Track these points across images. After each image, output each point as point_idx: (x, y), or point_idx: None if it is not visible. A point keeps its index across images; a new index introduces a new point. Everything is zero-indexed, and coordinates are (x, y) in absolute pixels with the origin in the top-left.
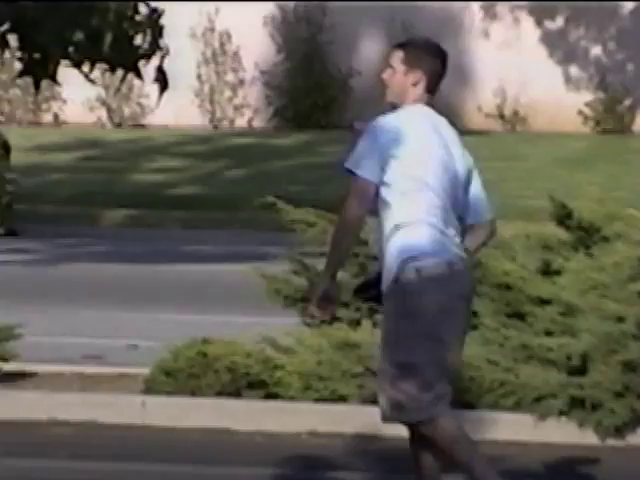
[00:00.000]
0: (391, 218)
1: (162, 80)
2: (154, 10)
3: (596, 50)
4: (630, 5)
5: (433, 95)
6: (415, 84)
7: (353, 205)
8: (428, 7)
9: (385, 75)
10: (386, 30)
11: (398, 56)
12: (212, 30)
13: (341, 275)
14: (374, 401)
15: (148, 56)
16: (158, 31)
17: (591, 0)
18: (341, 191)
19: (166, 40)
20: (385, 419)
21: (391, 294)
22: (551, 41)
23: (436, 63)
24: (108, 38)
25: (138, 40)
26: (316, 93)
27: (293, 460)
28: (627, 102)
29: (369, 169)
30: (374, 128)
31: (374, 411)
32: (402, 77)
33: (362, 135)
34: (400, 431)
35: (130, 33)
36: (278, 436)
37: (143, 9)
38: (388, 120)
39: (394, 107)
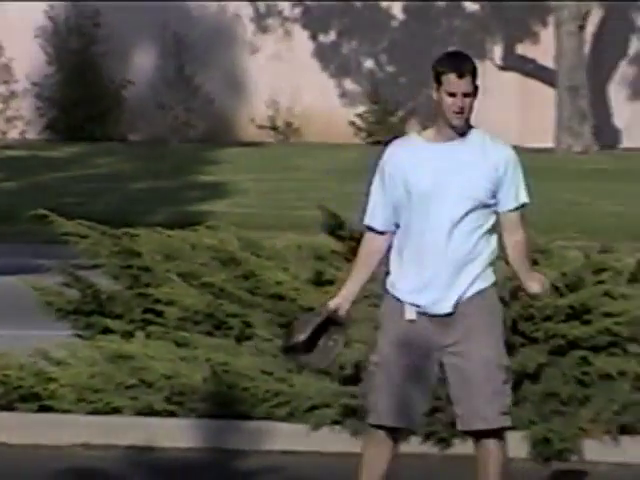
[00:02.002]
0: (491, 241)
1: None
2: None
3: (369, 63)
4: (401, 17)
5: None
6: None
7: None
8: (200, 18)
9: (466, 103)
10: (159, 41)
11: (469, 80)
12: None
13: (112, 285)
14: (148, 413)
15: None
16: None
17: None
18: (114, 204)
19: None
20: (493, 427)
21: (497, 302)
22: (324, 54)
23: None
24: None
25: None
26: (89, 105)
27: (68, 473)
28: (400, 114)
29: None
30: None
31: (148, 422)
32: (474, 97)
33: None
34: (176, 442)
35: None
36: (52, 449)
37: None
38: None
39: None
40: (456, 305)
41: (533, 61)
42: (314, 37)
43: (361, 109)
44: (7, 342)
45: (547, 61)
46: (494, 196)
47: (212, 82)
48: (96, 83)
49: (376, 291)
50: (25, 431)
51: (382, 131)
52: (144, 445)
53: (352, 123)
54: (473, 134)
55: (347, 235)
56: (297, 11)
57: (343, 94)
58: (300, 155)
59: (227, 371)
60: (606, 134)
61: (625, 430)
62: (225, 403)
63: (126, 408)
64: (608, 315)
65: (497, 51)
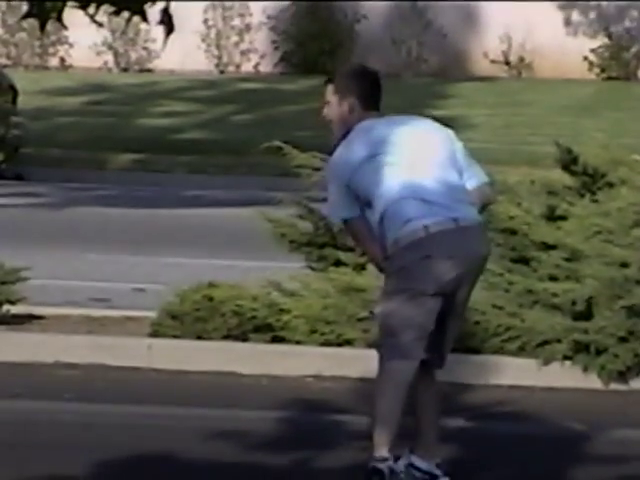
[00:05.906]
0: None
1: (167, 23)
2: None
3: None
4: None
5: (378, 111)
6: (351, 111)
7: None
8: None
9: (325, 111)
10: None
11: (330, 89)
12: None
13: None
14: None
15: None
16: None
17: None
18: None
19: None
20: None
21: None
22: None
23: (365, 85)
24: None
25: None
26: (322, 38)
27: (298, 403)
28: (634, 49)
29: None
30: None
31: None
32: (338, 107)
33: None
34: None
35: None
36: (284, 379)
37: None
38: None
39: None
40: None
41: None
42: None
43: (593, 44)
44: (240, 273)
45: None
46: None
47: (445, 16)
48: (330, 17)
49: (607, 226)
50: (257, 361)
51: (616, 66)
52: (374, 377)
53: (585, 58)
54: None
55: (580, 170)
56: None
57: (574, 28)
58: (533, 90)
59: None
60: None
61: None
62: (456, 337)
63: (357, 340)
64: None
65: None
